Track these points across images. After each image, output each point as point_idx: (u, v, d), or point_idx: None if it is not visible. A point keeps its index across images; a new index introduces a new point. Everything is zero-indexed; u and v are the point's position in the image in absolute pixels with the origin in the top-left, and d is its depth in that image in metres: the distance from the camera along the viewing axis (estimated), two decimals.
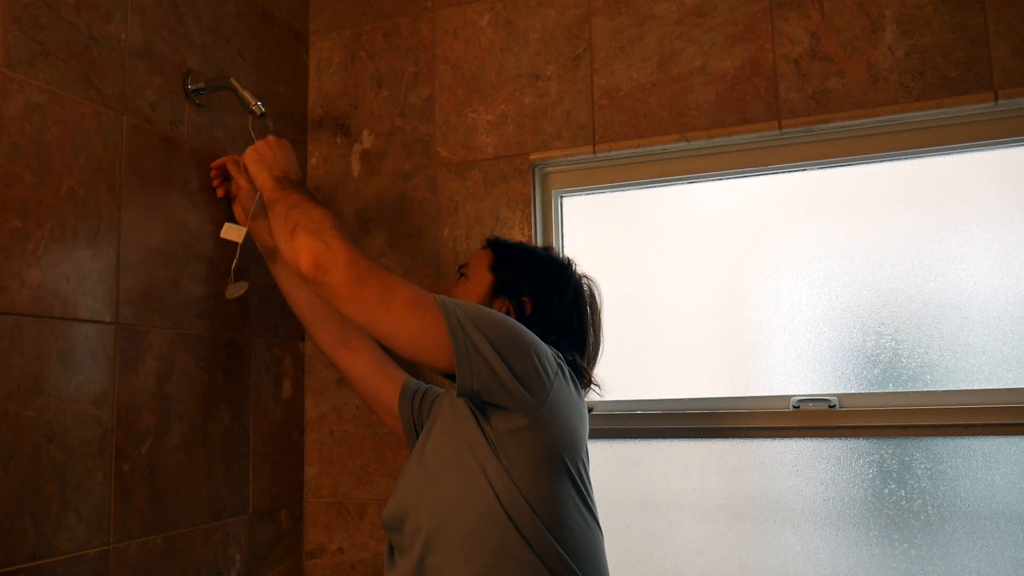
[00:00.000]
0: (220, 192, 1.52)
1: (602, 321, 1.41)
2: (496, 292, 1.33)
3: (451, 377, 1.16)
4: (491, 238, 1.43)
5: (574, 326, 1.33)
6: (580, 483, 1.19)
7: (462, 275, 1.38)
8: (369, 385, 1.52)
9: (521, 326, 1.19)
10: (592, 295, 1.40)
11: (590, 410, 1.36)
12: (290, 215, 1.20)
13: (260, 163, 1.37)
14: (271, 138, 1.41)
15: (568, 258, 1.42)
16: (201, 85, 1.49)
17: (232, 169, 1.50)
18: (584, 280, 1.40)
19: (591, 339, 1.36)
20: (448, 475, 1.19)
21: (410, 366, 1.58)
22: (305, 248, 1.13)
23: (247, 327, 1.61)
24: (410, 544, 1.20)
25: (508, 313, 1.30)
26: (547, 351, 1.19)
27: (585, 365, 1.34)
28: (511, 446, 1.14)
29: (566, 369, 1.23)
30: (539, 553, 1.12)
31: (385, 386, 1.51)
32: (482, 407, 1.16)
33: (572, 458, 1.18)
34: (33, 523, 1.14)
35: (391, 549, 1.28)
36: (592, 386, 1.36)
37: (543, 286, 1.32)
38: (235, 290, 1.49)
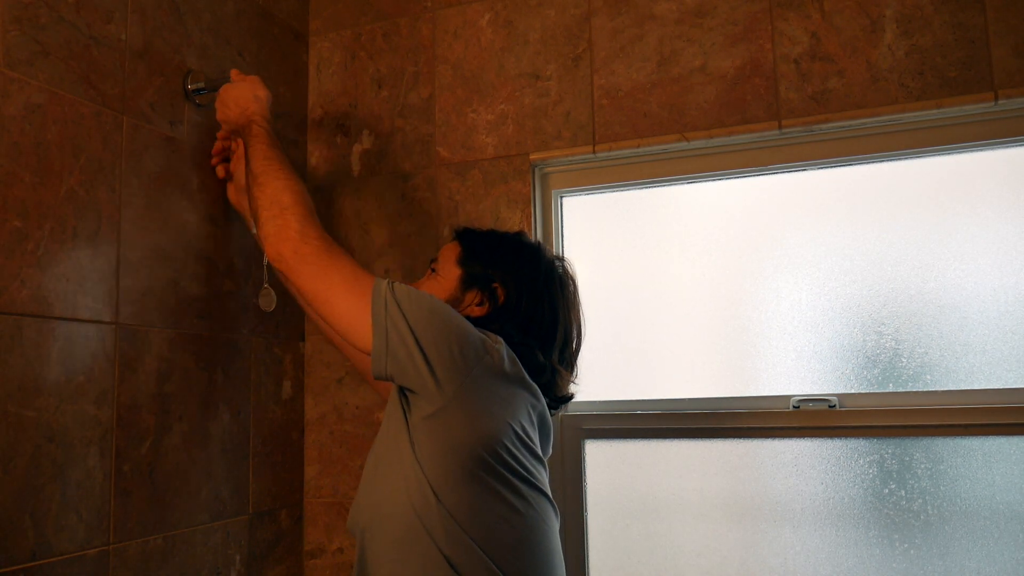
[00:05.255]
0: (220, 172, 1.52)
1: (579, 304, 1.36)
2: (466, 285, 1.31)
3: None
4: (459, 229, 1.40)
5: (544, 314, 1.29)
6: (506, 469, 1.14)
7: (432, 269, 1.36)
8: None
9: (452, 313, 1.16)
10: (565, 278, 1.34)
11: (569, 397, 1.34)
12: (252, 195, 1.27)
13: (226, 123, 1.42)
14: (223, 88, 1.43)
15: (539, 242, 1.38)
16: (201, 85, 1.49)
17: (236, 145, 1.51)
18: (557, 263, 1.35)
19: (563, 326, 1.31)
20: (380, 472, 1.18)
21: None
22: (265, 238, 1.22)
23: (247, 327, 1.61)
24: (358, 538, 1.20)
25: (481, 303, 1.29)
26: (475, 339, 1.15)
27: (555, 359, 1.29)
28: (423, 435, 1.12)
29: (504, 356, 1.17)
30: (455, 564, 1.09)
31: None
32: (405, 395, 1.16)
33: (491, 448, 1.13)
34: (33, 523, 1.14)
35: None
36: (566, 378, 1.31)
37: (512, 274, 1.29)
38: (267, 300, 1.54)
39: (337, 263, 1.17)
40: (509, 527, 1.14)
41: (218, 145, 1.51)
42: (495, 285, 1.29)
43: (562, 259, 1.37)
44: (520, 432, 1.18)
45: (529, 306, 1.28)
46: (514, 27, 1.72)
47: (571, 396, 1.36)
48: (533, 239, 1.40)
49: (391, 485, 1.15)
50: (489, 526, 1.12)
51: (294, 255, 1.18)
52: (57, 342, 1.20)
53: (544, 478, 1.23)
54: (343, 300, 1.15)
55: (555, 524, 1.22)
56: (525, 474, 1.17)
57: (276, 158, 1.30)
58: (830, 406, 1.49)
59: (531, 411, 1.22)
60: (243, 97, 1.39)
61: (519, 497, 1.15)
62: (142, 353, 1.35)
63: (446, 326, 1.13)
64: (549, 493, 1.22)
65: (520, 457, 1.17)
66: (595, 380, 1.65)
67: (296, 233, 1.19)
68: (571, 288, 1.35)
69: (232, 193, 1.54)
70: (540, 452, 1.24)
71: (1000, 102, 1.40)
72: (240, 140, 1.49)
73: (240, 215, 1.57)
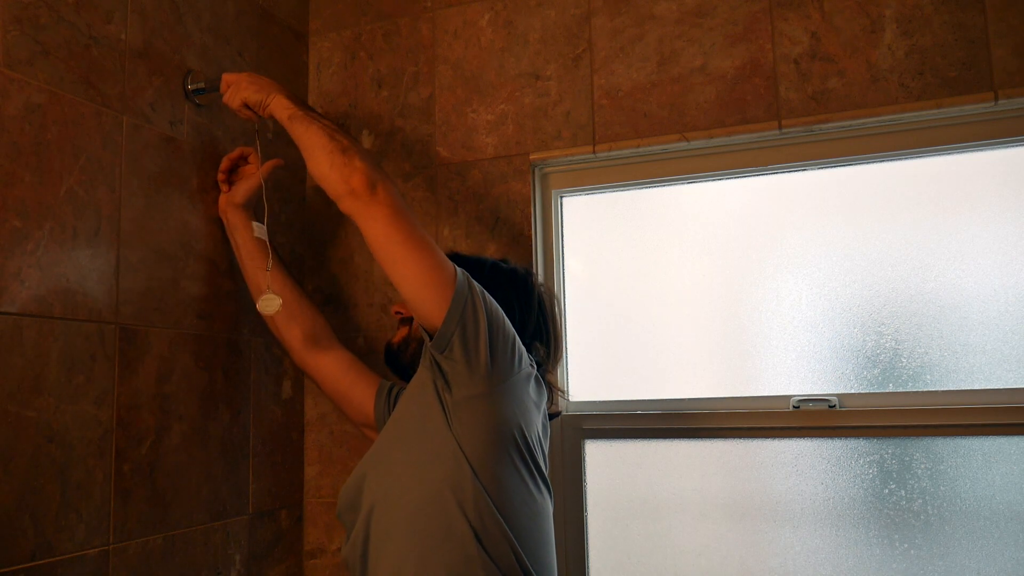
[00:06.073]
0: (225, 187, 1.51)
1: (561, 329, 1.48)
2: None
3: (427, 338, 1.22)
4: (449, 253, 1.44)
5: (541, 332, 1.39)
6: (529, 458, 1.24)
7: None
8: (340, 383, 1.52)
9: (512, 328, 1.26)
10: (553, 304, 1.45)
11: (557, 414, 1.45)
12: (337, 136, 1.25)
13: (261, 87, 1.35)
14: (243, 73, 1.40)
15: (526, 268, 1.46)
16: (201, 85, 1.49)
17: (253, 159, 1.50)
18: (543, 289, 1.44)
19: (555, 345, 1.42)
20: (398, 448, 1.23)
21: (381, 368, 1.56)
22: (362, 169, 1.20)
23: (247, 327, 1.61)
24: (359, 517, 1.24)
25: None
26: (523, 349, 1.26)
27: (551, 371, 1.41)
28: (465, 413, 1.19)
29: (533, 376, 1.29)
30: (481, 537, 1.16)
31: (357, 383, 1.52)
32: (443, 374, 1.20)
33: (522, 433, 1.23)
34: (33, 523, 1.14)
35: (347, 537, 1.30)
36: (557, 391, 1.43)
37: (511, 294, 1.36)
38: (269, 304, 1.40)
39: (421, 229, 1.22)
40: (527, 509, 1.22)
41: (226, 163, 1.50)
42: None
43: (547, 288, 1.48)
44: (539, 432, 1.29)
45: (534, 322, 1.38)
46: (514, 27, 1.72)
47: (558, 414, 1.49)
48: (521, 267, 1.46)
49: (414, 460, 1.21)
50: (514, 505, 1.20)
51: (392, 201, 1.19)
52: (57, 342, 1.20)
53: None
54: (426, 262, 1.18)
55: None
56: (541, 466, 1.27)
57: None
58: (830, 406, 1.49)
59: (545, 419, 1.33)
60: (266, 78, 1.39)
61: (536, 485, 1.25)
62: (142, 353, 1.35)
63: (508, 327, 1.23)
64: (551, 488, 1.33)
65: (540, 450, 1.28)
66: (595, 380, 1.65)
67: (391, 185, 1.22)
68: (557, 314, 1.45)
69: (223, 203, 1.52)
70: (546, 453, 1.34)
71: (1000, 102, 1.39)
72: (253, 157, 1.51)
73: (228, 227, 1.53)
